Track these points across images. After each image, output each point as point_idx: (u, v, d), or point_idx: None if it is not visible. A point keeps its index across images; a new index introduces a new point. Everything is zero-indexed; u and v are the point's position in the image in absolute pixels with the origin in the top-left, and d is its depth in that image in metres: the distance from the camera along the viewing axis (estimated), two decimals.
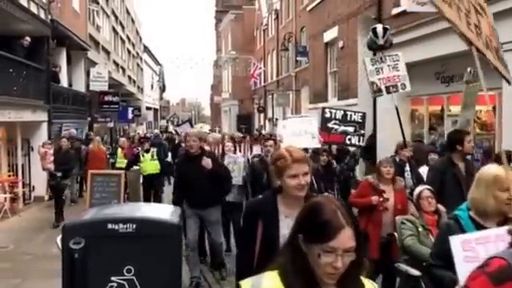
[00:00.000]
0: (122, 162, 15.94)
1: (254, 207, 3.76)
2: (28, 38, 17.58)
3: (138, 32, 56.28)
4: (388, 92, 9.59)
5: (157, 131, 33.30)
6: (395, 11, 15.61)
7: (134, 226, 4.23)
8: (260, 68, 42.62)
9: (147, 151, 14.33)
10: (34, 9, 17.77)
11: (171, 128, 44.78)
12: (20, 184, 16.84)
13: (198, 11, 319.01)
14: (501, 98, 11.65)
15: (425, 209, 6.19)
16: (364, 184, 7.45)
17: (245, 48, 49.03)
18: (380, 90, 9.58)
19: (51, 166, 14.89)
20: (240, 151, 12.29)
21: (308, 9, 25.45)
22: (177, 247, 4.38)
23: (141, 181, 14.55)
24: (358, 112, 9.16)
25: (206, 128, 35.78)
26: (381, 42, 9.74)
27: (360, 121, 9.02)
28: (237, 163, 9.91)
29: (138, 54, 54.67)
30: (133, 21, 51.72)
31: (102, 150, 17.27)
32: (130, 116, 38.15)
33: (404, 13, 14.74)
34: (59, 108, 20.26)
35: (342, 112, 8.74)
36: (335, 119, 8.55)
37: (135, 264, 4.22)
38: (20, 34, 17.42)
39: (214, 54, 71.61)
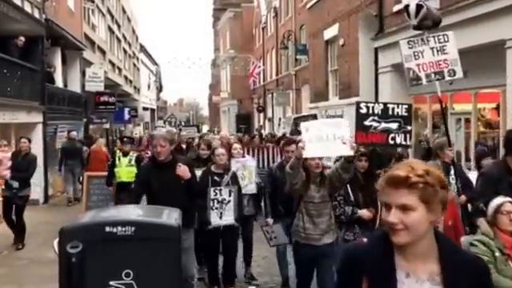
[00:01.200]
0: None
1: (356, 255, 2.50)
2: (22, 38, 17.36)
3: (134, 31, 56.06)
4: (429, 80, 8.37)
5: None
6: (396, 8, 15.53)
7: (133, 228, 4.17)
8: (259, 67, 42.54)
9: (125, 154, 12.68)
10: (28, 8, 17.54)
11: (168, 128, 44.58)
12: None
13: (196, 9, 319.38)
14: (505, 95, 11.51)
15: (504, 227, 5.00)
16: None
17: (243, 47, 49.03)
18: (418, 79, 8.33)
19: (7, 173, 10.38)
20: (248, 154, 11.33)
21: (308, 6, 25.52)
22: (176, 250, 4.36)
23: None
24: (402, 104, 7.39)
25: (205, 128, 35.70)
26: (414, 22, 8.39)
27: (405, 114, 7.22)
28: (247, 167, 8.84)
29: (134, 53, 54.47)
30: (129, 19, 51.47)
31: (103, 152, 17.12)
32: (127, 117, 37.95)
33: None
34: (54, 109, 20.03)
35: (382, 106, 7.24)
36: (373, 115, 7.04)
37: (134, 268, 4.16)
38: (14, 33, 17.19)
39: (212, 53, 71.67)
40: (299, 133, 13.96)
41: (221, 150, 8.19)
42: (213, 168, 7.94)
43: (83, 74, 25.86)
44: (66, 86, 24.02)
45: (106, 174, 13.49)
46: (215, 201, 7.64)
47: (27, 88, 17.20)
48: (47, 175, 18.38)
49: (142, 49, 63.77)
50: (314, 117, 14.57)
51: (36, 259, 10.00)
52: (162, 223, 4.41)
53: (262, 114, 45.12)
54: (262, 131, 33.71)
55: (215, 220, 7.65)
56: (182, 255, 5.74)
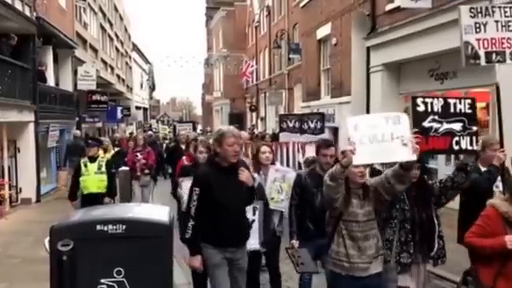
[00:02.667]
0: None
1: None
2: (15, 37, 17.29)
3: (126, 29, 55.97)
4: (488, 61, 6.75)
5: (151, 132, 33.09)
6: (389, 7, 15.69)
7: (124, 226, 4.16)
8: (252, 66, 42.57)
9: (92, 159, 10.45)
10: (18, 6, 17.43)
11: (155, 125, 44.64)
12: (6, 186, 16.54)
13: (188, 8, 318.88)
14: (494, 94, 11.54)
15: None
16: (489, 213, 4.67)
17: (236, 46, 49.03)
18: (476, 57, 6.78)
19: None
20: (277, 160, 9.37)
21: (301, 5, 25.58)
22: (167, 248, 4.31)
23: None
24: (465, 98, 6.05)
25: (198, 128, 35.67)
26: None
27: (469, 111, 5.92)
28: (286, 180, 7.19)
29: (126, 52, 54.39)
30: (121, 18, 51.38)
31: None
32: (119, 116, 37.96)
33: (398, 9, 14.83)
34: (46, 108, 19.97)
35: (442, 101, 5.83)
36: (433, 113, 5.72)
37: (125, 265, 4.16)
38: (4, 31, 17.11)
39: (205, 51, 71.55)
40: (284, 130, 13.92)
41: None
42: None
43: (75, 72, 25.82)
44: (57, 84, 23.95)
45: None
46: None
47: (18, 87, 17.12)
48: (39, 174, 18.38)
49: (135, 47, 63.71)
50: (302, 116, 14.42)
51: (28, 258, 10.00)
52: (152, 221, 4.38)
53: (254, 114, 45.17)
54: (255, 130, 33.70)
55: None
56: (238, 275, 5.70)
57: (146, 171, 13.35)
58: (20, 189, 17.73)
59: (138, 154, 13.42)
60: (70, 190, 10.89)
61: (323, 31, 21.78)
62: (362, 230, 5.00)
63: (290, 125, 13.84)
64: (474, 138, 5.95)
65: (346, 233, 5.01)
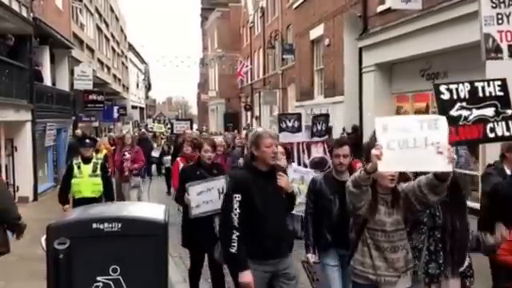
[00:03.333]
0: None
1: None
2: (12, 37, 17.39)
3: (122, 30, 56.06)
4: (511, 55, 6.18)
5: (144, 130, 33.16)
6: (380, 9, 15.82)
7: (120, 225, 4.18)
8: (247, 66, 42.63)
9: (87, 160, 9.37)
10: (15, 6, 17.47)
11: (151, 125, 44.60)
12: None
13: (184, 9, 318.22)
14: None
15: None
16: None
17: (231, 46, 49.05)
18: (498, 50, 6.51)
19: None
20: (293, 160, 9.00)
21: (294, 6, 25.58)
22: (163, 246, 4.33)
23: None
24: (494, 80, 5.32)
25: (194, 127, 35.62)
26: None
27: (500, 94, 5.22)
28: (304, 181, 7.12)
29: (122, 52, 54.45)
30: (117, 19, 51.46)
31: (108, 148, 17.21)
32: (116, 115, 38.00)
33: (389, 10, 14.93)
34: (43, 107, 20.04)
35: (469, 86, 5.17)
36: (460, 100, 5.10)
37: (121, 263, 4.18)
38: (1, 32, 17.17)
39: (201, 52, 71.58)
40: (283, 130, 13.75)
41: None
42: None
43: (72, 72, 25.88)
44: (54, 84, 23.99)
45: None
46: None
47: (15, 86, 17.16)
48: (36, 173, 18.47)
49: (131, 47, 63.77)
50: (299, 116, 14.30)
51: (25, 256, 9.95)
52: (148, 219, 4.39)
53: (249, 113, 45.23)
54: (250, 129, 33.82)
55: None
56: (289, 285, 5.08)
57: (135, 172, 12.93)
58: (17, 187, 17.77)
59: (126, 153, 12.90)
60: (59, 193, 9.58)
61: (316, 32, 21.90)
62: (389, 241, 4.52)
63: (290, 124, 13.43)
64: (511, 122, 5.15)
65: (372, 242, 4.55)
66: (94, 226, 4.16)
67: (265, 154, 4.91)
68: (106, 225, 4.16)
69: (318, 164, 7.65)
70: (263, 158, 4.93)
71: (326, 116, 13.82)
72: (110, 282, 4.18)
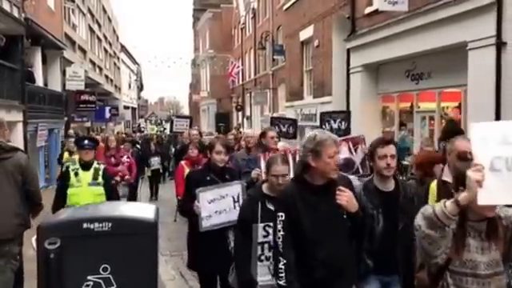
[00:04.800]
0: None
1: None
2: (3, 38, 17.45)
3: (114, 31, 56.08)
4: None
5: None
6: (368, 10, 15.99)
7: (110, 224, 4.16)
8: (238, 67, 42.74)
9: (86, 166, 7.78)
10: (6, 6, 17.55)
11: (144, 125, 44.56)
12: None
13: (176, 10, 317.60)
14: (466, 94, 12.01)
15: None
16: None
17: (223, 47, 49.13)
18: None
19: None
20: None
21: (284, 8, 25.69)
22: (153, 245, 4.30)
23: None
24: None
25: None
26: None
27: None
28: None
29: (115, 53, 54.47)
30: (109, 19, 51.49)
31: (101, 146, 17.32)
32: (108, 115, 38.09)
33: (376, 12, 15.11)
34: (35, 108, 20.14)
35: None
36: None
37: (111, 262, 4.16)
38: None
39: (192, 52, 71.54)
40: (281, 133, 12.55)
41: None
42: (265, 189, 4.98)
43: (64, 73, 25.97)
44: (46, 85, 24.08)
45: None
46: (265, 246, 4.81)
47: (7, 87, 17.23)
48: None
49: (123, 48, 63.76)
50: (295, 122, 12.90)
51: None
52: (138, 219, 4.35)
53: (240, 113, 45.36)
54: (241, 129, 33.95)
55: (265, 279, 4.83)
56: None
57: (123, 182, 10.95)
58: None
59: (112, 158, 11.13)
60: (54, 205, 7.68)
61: (306, 33, 22.05)
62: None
63: (284, 129, 12.03)
64: None
65: None
66: (85, 225, 4.17)
67: (327, 165, 3.91)
68: (96, 224, 4.16)
69: (343, 166, 6.16)
70: (323, 170, 3.94)
71: (348, 113, 12.31)
72: (101, 281, 4.17)
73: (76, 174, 7.70)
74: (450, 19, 11.91)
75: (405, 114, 15.61)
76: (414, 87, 14.56)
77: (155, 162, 17.45)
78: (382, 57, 15.35)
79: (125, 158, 11.46)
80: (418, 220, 3.09)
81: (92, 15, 39.07)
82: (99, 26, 42.87)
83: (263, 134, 8.43)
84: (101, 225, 4.16)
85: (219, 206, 5.68)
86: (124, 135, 23.17)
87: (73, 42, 30.17)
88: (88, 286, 4.14)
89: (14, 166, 6.37)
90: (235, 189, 5.76)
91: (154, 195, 17.82)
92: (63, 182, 7.78)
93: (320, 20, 20.16)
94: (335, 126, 11.25)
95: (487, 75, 10.77)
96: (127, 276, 4.17)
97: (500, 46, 10.58)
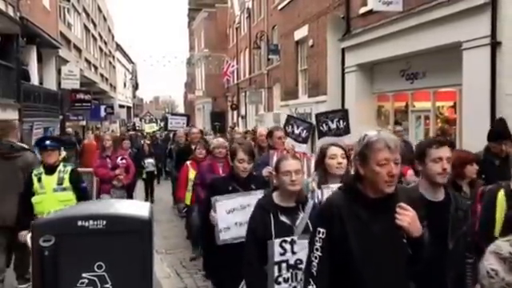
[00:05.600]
0: None
1: None
2: None
3: (110, 30, 56.05)
4: None
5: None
6: (362, 10, 16.02)
7: (104, 222, 4.17)
8: (233, 66, 42.76)
9: (50, 170, 6.87)
10: (1, 5, 17.55)
11: (139, 123, 44.48)
12: None
13: (171, 9, 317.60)
14: (461, 94, 12.05)
15: None
16: None
17: (218, 46, 49.17)
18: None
19: None
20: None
21: (279, 8, 25.71)
22: (148, 242, 4.30)
23: None
24: None
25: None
26: None
27: None
28: None
29: (110, 52, 54.46)
30: (105, 18, 51.48)
31: (94, 144, 17.43)
32: (103, 114, 38.07)
33: (371, 12, 15.12)
34: (30, 106, 20.12)
35: None
36: None
37: (106, 260, 4.17)
38: None
39: (187, 51, 71.66)
40: (287, 135, 10.31)
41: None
42: (276, 198, 4.28)
43: (59, 71, 25.97)
44: (41, 83, 24.06)
45: (82, 170, 12.55)
46: (283, 265, 4.10)
47: (2, 85, 17.20)
48: None
49: (118, 47, 63.76)
50: (311, 126, 11.66)
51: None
52: (133, 216, 4.36)
53: (235, 112, 45.39)
54: (236, 128, 34.00)
55: None
56: None
57: (116, 182, 9.89)
58: None
59: (108, 159, 10.00)
60: (18, 214, 6.92)
61: (300, 33, 22.06)
62: None
63: (296, 131, 11.00)
64: None
65: None
66: (79, 223, 4.18)
67: (376, 175, 3.05)
68: (90, 222, 4.17)
69: None
70: (372, 181, 3.08)
71: (345, 112, 11.53)
72: (95, 279, 4.19)
73: (39, 180, 6.87)
74: (444, 19, 11.94)
75: (400, 114, 15.65)
76: (408, 87, 14.60)
77: (149, 163, 16.28)
78: (377, 56, 15.39)
79: (119, 160, 9.92)
80: (492, 262, 2.20)
81: (87, 14, 39.07)
82: (94, 25, 42.87)
83: (270, 134, 8.14)
84: (95, 222, 4.16)
85: (240, 216, 5.07)
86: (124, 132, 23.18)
87: (68, 41, 30.16)
88: (83, 283, 4.16)
89: (23, 163, 7.16)
90: (258, 198, 4.85)
91: (149, 198, 17.65)
92: (26, 189, 6.93)
93: (315, 20, 20.18)
94: (333, 125, 10.70)
95: (482, 75, 10.81)
96: (122, 273, 4.18)
97: (495, 45, 10.61)
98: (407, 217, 3.02)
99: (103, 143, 10.28)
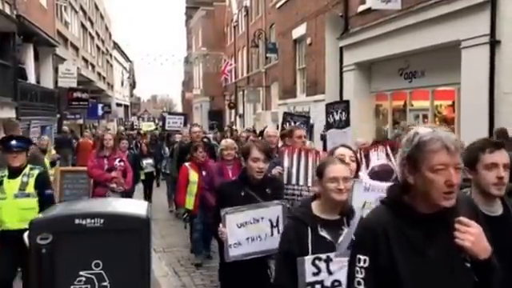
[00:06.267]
0: None
1: None
2: None
3: (107, 28, 55.91)
4: None
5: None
6: (361, 9, 16.01)
7: (102, 220, 4.23)
8: (231, 64, 42.79)
9: (14, 173, 6.16)
10: None
11: (136, 122, 44.41)
12: None
13: (168, 7, 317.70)
14: (459, 93, 12.04)
15: None
16: None
17: (215, 44, 49.14)
18: None
19: None
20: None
21: (277, 6, 25.68)
22: (145, 241, 4.39)
23: None
24: None
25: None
26: None
27: None
28: None
29: (107, 50, 54.33)
30: (102, 17, 51.34)
31: (89, 143, 17.40)
32: (100, 112, 38.00)
33: (369, 10, 15.11)
34: (27, 105, 20.08)
35: None
36: None
37: (103, 258, 4.23)
38: None
39: (185, 50, 71.60)
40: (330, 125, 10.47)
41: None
42: (316, 208, 3.58)
43: (56, 70, 25.90)
44: (38, 82, 24.02)
45: (78, 168, 12.39)
46: (317, 287, 3.44)
47: None
48: None
49: (115, 46, 63.64)
50: (308, 119, 11.99)
51: None
52: (130, 215, 4.44)
53: (233, 111, 45.37)
54: (234, 127, 33.96)
55: None
56: None
57: (112, 186, 8.67)
58: None
59: (105, 160, 8.82)
60: None
61: (299, 31, 22.04)
62: None
63: (337, 117, 10.83)
64: None
65: None
66: (77, 221, 4.21)
67: (429, 184, 2.37)
68: (88, 220, 4.21)
69: (379, 175, 4.87)
70: (425, 192, 2.41)
71: (347, 103, 11.49)
72: (93, 277, 4.22)
73: (0, 183, 6.12)
74: (443, 17, 11.93)
75: (398, 113, 15.63)
76: (407, 85, 14.58)
77: (148, 164, 15.31)
78: (375, 55, 15.37)
79: (116, 162, 8.84)
80: None
81: (84, 12, 38.96)
82: (91, 23, 42.76)
83: (289, 133, 7.27)
84: (93, 221, 4.21)
85: (252, 231, 4.51)
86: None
87: (65, 40, 30.06)
88: (80, 281, 4.22)
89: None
90: (274, 210, 4.51)
91: (147, 200, 17.26)
92: None
93: (313, 18, 20.16)
94: (337, 117, 10.55)
95: (481, 74, 10.80)
96: (119, 272, 4.23)
97: (494, 44, 10.61)
98: (470, 235, 2.30)
99: (103, 142, 8.96)
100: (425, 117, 14.21)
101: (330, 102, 12.49)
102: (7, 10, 18.28)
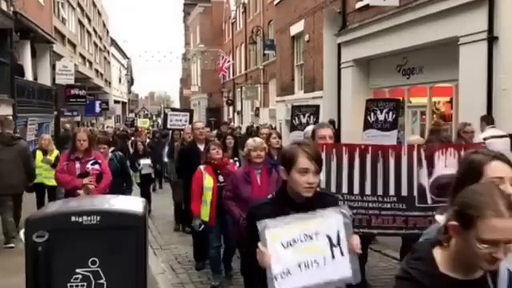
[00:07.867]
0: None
1: None
2: None
3: (104, 25, 55.86)
4: None
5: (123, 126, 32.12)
6: (359, 5, 15.98)
7: (98, 218, 4.22)
8: (228, 61, 42.75)
9: None
10: None
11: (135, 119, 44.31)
12: None
13: (166, 4, 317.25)
14: (457, 90, 12.02)
15: None
16: None
17: (213, 41, 49.15)
18: None
19: None
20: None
21: (275, 2, 25.70)
22: (141, 238, 4.37)
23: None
24: None
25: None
26: None
27: None
28: None
29: (105, 47, 54.31)
30: (99, 13, 51.29)
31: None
32: (98, 109, 37.94)
33: (367, 7, 15.11)
34: (24, 102, 19.98)
35: None
36: None
37: (100, 256, 4.22)
38: None
39: (183, 47, 71.56)
40: (295, 128, 10.07)
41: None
42: (441, 263, 2.14)
43: (53, 67, 25.83)
44: (35, 79, 23.93)
45: None
46: None
47: None
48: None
49: (113, 42, 63.62)
50: (317, 108, 11.63)
51: (4, 250, 9.94)
52: (126, 212, 4.42)
53: (231, 108, 45.36)
54: (231, 124, 33.93)
55: None
56: None
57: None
58: None
59: (78, 164, 7.34)
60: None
61: (296, 28, 22.05)
62: None
63: (304, 120, 10.10)
64: None
65: None
66: (73, 219, 4.19)
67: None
68: (84, 218, 4.19)
69: (444, 189, 3.74)
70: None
71: (397, 101, 10.91)
72: (89, 274, 4.22)
73: None
74: (441, 14, 11.92)
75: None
76: (405, 82, 14.58)
77: (145, 165, 13.57)
78: (373, 52, 15.36)
79: (89, 165, 7.38)
80: None
81: (82, 9, 38.91)
82: (89, 20, 42.71)
83: (312, 134, 6.16)
84: (89, 218, 4.20)
85: (304, 253, 3.05)
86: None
87: (62, 36, 30.02)
88: (77, 279, 4.21)
89: (20, 148, 9.65)
90: (332, 221, 3.10)
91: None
92: None
93: (311, 15, 20.15)
94: (381, 117, 10.02)
95: (479, 70, 10.79)
96: (116, 269, 4.23)
97: (492, 40, 10.59)
98: None
99: (76, 144, 7.40)
100: (422, 113, 14.21)
101: (371, 98, 11.93)
102: (4, 7, 18.21)
